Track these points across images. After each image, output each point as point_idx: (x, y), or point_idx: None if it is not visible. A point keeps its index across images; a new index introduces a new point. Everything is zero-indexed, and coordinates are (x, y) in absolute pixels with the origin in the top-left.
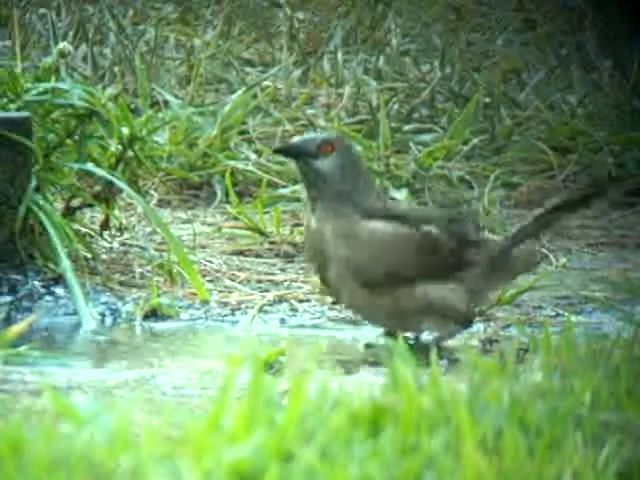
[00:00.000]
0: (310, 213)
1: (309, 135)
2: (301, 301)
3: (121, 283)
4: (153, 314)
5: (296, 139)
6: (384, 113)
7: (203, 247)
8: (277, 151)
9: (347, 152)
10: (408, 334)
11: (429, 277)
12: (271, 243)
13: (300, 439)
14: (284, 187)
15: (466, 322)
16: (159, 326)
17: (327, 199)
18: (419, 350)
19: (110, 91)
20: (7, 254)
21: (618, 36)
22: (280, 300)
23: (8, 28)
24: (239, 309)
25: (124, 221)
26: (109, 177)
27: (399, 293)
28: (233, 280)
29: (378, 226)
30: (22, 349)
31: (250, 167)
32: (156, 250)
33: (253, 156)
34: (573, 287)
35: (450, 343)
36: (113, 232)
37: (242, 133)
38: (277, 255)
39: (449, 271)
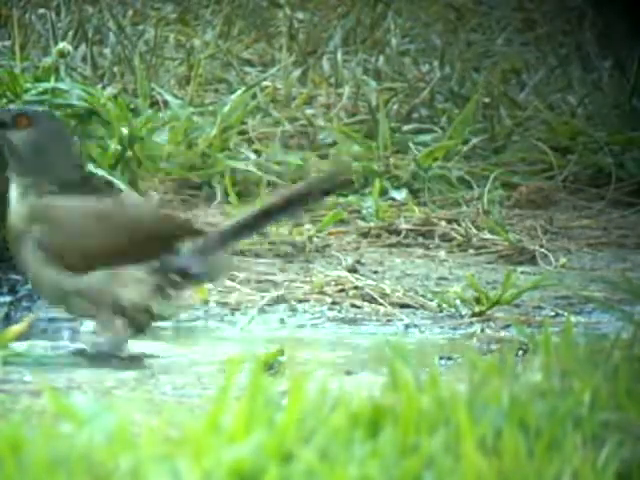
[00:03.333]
0: (14, 189)
1: (8, 107)
2: (300, 301)
3: None
4: None
5: None
6: (384, 113)
7: None
8: None
9: (46, 128)
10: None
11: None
12: (271, 243)
13: (300, 439)
14: (284, 187)
15: (140, 327)
16: (159, 326)
17: (22, 174)
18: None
19: (110, 91)
20: (7, 254)
21: (618, 36)
22: (279, 300)
23: (8, 28)
24: (239, 309)
25: None
26: (109, 177)
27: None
28: (233, 280)
29: (68, 203)
30: (22, 349)
31: (250, 167)
32: None
33: (253, 156)
34: (573, 287)
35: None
36: None
37: (241, 133)
38: (277, 255)
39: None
